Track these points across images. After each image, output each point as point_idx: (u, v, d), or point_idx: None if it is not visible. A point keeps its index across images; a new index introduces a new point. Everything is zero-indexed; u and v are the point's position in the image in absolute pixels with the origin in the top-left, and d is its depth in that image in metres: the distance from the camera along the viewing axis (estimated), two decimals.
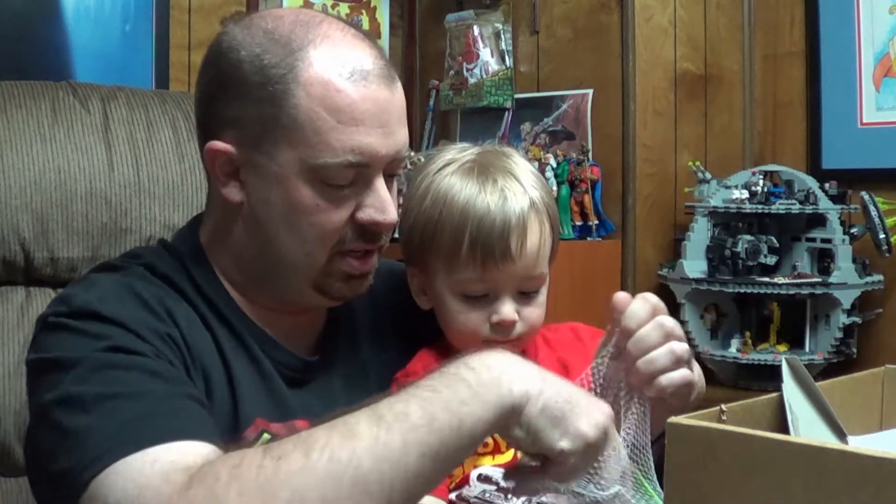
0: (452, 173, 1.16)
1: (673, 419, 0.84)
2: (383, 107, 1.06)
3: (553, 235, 1.18)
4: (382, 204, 1.08)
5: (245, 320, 1.12)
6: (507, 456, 1.12)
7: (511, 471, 0.97)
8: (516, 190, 1.14)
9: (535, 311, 1.17)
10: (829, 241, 2.28)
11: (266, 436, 1.06)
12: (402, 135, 1.09)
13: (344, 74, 1.04)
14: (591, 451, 0.91)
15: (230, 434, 1.04)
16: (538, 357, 1.22)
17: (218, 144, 1.08)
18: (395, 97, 1.08)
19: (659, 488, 0.96)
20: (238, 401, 1.06)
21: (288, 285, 1.11)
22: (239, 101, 1.06)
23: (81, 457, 0.87)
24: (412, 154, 1.36)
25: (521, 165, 1.19)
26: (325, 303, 1.15)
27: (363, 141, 1.04)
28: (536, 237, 1.14)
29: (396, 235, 1.21)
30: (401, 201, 1.20)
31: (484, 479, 1.09)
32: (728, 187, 2.36)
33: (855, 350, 2.32)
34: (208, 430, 0.91)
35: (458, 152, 1.20)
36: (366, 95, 1.05)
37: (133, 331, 0.98)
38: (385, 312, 1.25)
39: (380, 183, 1.08)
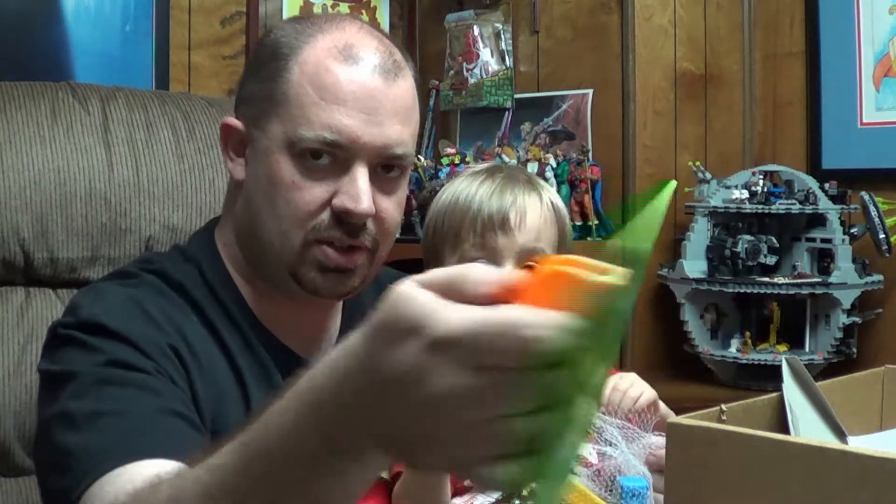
0: (467, 177, 1.24)
1: (673, 419, 0.84)
2: (371, 94, 1.06)
3: (559, 234, 1.22)
4: (357, 193, 1.05)
5: (253, 322, 1.12)
6: None
7: None
8: (523, 184, 1.22)
9: None
10: (829, 241, 2.28)
11: None
12: (393, 129, 1.07)
13: (339, 57, 1.06)
14: None
15: None
16: None
17: (230, 120, 1.12)
18: (390, 90, 1.07)
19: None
20: None
21: (268, 268, 1.11)
22: (253, 79, 1.11)
23: (70, 479, 0.89)
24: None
25: (534, 178, 1.27)
26: (302, 295, 1.11)
27: (342, 121, 1.04)
28: (537, 216, 1.20)
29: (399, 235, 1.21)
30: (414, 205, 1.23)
31: None
32: (728, 187, 2.36)
33: (855, 350, 2.32)
34: (183, 448, 0.86)
35: (481, 165, 1.29)
36: (353, 78, 1.06)
37: (136, 346, 0.99)
38: None
39: (359, 172, 1.06)
